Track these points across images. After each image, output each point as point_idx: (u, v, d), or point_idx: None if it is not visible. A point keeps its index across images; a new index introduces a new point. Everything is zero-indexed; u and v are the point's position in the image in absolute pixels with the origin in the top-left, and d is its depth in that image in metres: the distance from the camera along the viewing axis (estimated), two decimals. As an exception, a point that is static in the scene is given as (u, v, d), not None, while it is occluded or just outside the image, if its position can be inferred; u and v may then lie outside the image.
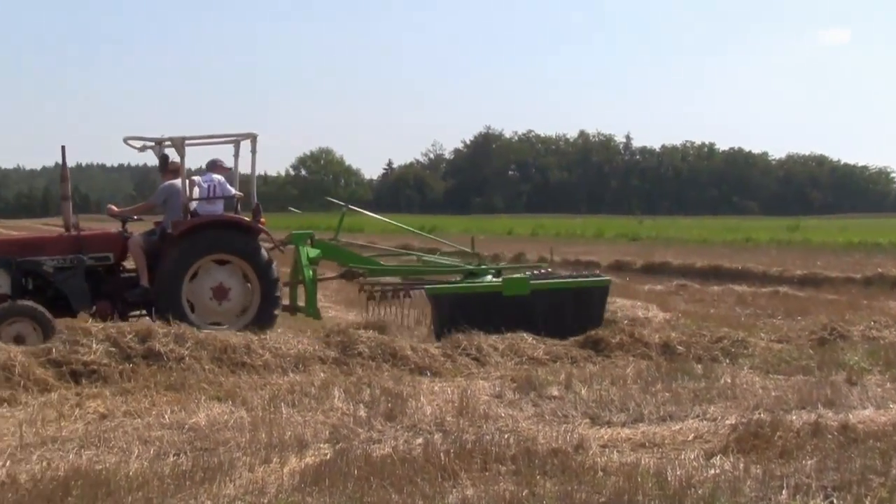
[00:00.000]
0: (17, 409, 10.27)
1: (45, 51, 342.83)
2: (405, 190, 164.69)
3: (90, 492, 7.32)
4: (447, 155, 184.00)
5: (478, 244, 17.42)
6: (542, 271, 16.64)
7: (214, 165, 14.68)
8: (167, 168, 14.35)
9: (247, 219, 14.19)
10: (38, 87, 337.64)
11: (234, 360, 12.12)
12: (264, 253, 14.05)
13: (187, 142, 14.04)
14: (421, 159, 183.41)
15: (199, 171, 15.14)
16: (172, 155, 14.27)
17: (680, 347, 13.69)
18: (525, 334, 13.94)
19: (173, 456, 8.51)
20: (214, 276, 13.92)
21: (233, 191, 14.42)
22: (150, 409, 10.22)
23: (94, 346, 11.85)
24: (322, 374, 11.93)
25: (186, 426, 9.50)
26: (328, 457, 8.40)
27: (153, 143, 14.43)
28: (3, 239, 15.27)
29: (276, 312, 14.09)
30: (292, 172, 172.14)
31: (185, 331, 12.50)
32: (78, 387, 11.18)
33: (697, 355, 13.42)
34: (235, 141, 14.63)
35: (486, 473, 8.00)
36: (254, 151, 14.36)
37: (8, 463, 8.17)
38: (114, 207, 14.75)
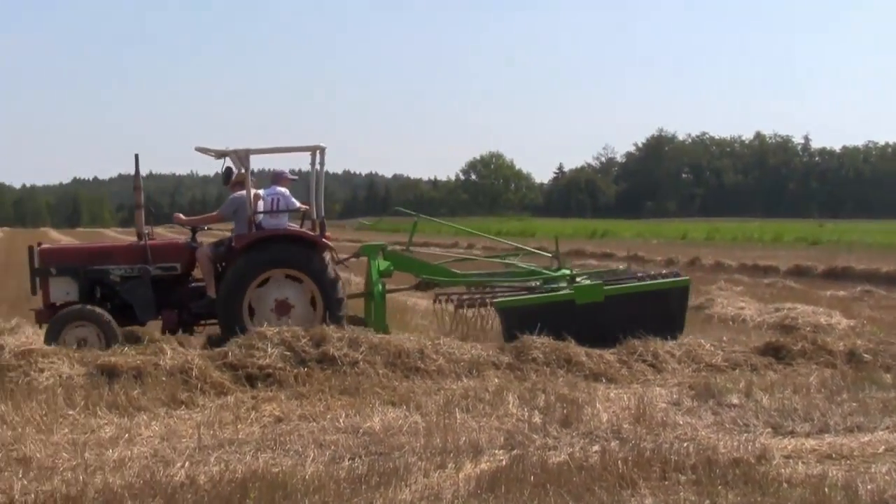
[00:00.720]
0: (194, 412, 10.47)
1: (217, 58, 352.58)
2: (576, 194, 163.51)
3: (267, 494, 7.37)
4: (619, 158, 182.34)
5: (650, 249, 17.11)
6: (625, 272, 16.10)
7: (279, 177, 14.34)
8: (232, 180, 14.31)
9: (312, 233, 13.84)
10: (212, 94, 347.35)
11: (408, 365, 12.13)
12: (331, 270, 13.67)
13: (252, 154, 13.84)
14: (592, 163, 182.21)
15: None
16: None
17: (866, 355, 13.16)
18: (703, 340, 13.62)
19: (348, 460, 8.52)
20: (282, 291, 13.64)
21: (297, 204, 14.13)
22: (324, 413, 10.28)
23: (269, 350, 12.00)
24: (496, 380, 11.83)
25: (361, 430, 9.51)
26: (503, 463, 8.31)
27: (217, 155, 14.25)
28: (73, 247, 15.45)
29: (341, 317, 13.57)
30: (462, 177, 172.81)
31: (359, 335, 12.55)
32: (253, 390, 11.35)
33: (886, 364, 12.89)
34: (312, 151, 14.07)
35: (666, 483, 7.81)
36: (321, 164, 13.96)
37: (187, 464, 8.29)
38: (181, 216, 14.70)
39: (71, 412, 10.17)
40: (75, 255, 14.23)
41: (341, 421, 9.92)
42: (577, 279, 15.00)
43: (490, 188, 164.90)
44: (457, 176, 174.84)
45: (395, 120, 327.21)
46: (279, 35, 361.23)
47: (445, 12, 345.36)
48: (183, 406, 10.64)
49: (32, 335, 13.84)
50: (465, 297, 14.92)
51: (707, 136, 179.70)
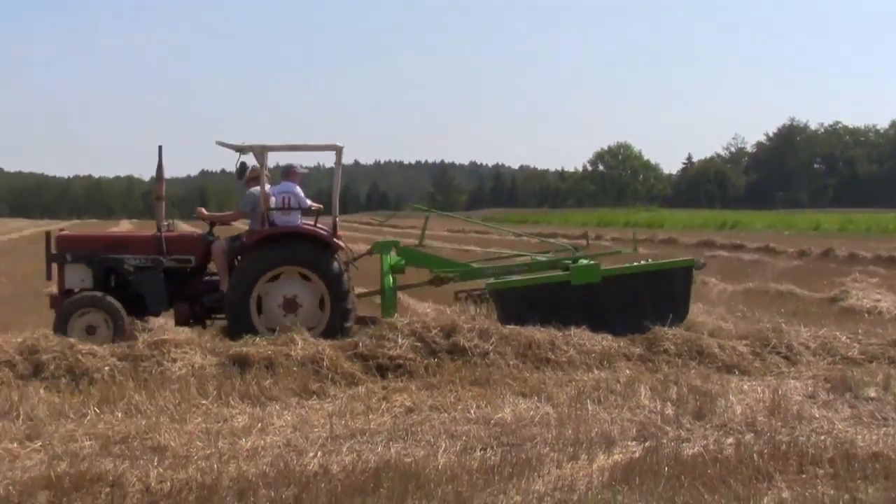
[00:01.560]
0: (325, 402, 10.52)
1: (339, 53, 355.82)
2: (705, 185, 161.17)
3: (400, 484, 7.36)
4: (749, 148, 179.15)
5: (782, 240, 16.64)
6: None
7: (288, 171, 14.22)
8: (247, 176, 14.15)
9: (324, 231, 13.67)
10: (334, 87, 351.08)
11: (539, 356, 12.06)
12: (336, 266, 13.45)
13: (269, 151, 13.82)
14: (722, 153, 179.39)
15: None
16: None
17: None
18: (838, 333, 13.28)
19: (480, 450, 8.47)
20: (291, 289, 13.47)
21: (308, 202, 13.92)
22: (455, 404, 10.26)
23: (399, 340, 12.03)
24: (627, 371, 11.71)
25: (492, 421, 9.46)
26: (637, 455, 8.21)
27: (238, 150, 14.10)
28: (89, 234, 15.30)
29: (348, 325, 13.39)
30: (589, 168, 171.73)
31: (490, 326, 12.53)
32: (384, 380, 11.39)
33: None
34: (333, 150, 14.00)
35: (803, 476, 7.65)
36: (337, 164, 13.98)
37: (320, 454, 8.32)
38: (203, 210, 14.63)
39: (204, 401, 10.31)
40: (91, 242, 14.24)
41: (472, 412, 9.88)
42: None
43: (618, 179, 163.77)
44: (584, 167, 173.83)
45: (522, 111, 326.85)
46: (415, 30, 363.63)
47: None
48: (314, 396, 10.71)
49: (164, 325, 14.10)
50: (482, 292, 14.63)
51: (840, 125, 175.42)
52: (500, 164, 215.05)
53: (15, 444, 8.70)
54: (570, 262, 14.44)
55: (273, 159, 14.35)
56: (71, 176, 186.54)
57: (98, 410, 9.92)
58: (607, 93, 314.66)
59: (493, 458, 8.19)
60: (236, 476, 7.63)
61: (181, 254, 13.83)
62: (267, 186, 13.76)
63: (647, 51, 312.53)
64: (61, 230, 14.42)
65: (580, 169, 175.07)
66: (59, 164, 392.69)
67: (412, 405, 10.24)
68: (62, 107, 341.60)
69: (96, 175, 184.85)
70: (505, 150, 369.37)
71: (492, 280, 14.45)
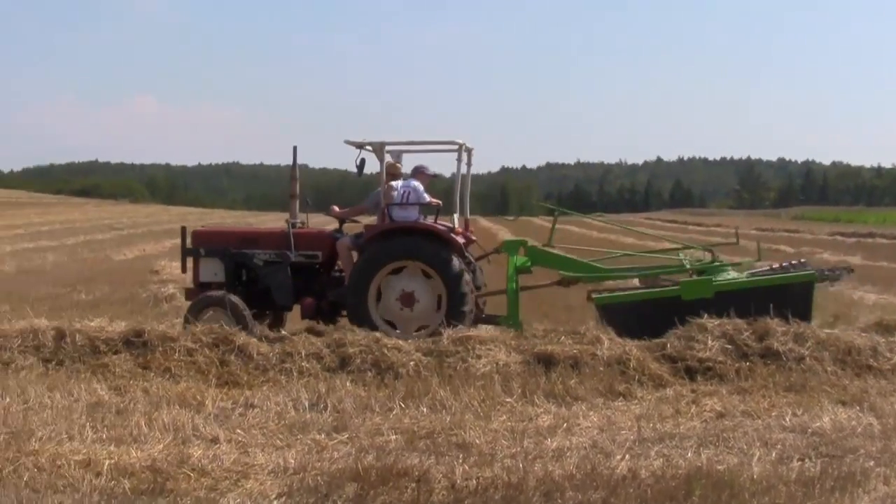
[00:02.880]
0: (632, 404, 10.24)
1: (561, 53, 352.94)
2: None
3: (713, 493, 7.02)
4: None
5: None
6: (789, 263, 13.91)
7: (417, 171, 14.11)
8: (387, 172, 13.92)
9: (443, 227, 13.47)
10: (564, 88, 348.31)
11: (859, 363, 11.38)
12: (455, 264, 13.15)
13: (387, 147, 13.69)
14: None
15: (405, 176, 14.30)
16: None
17: None
18: None
19: (797, 461, 7.99)
20: (410, 283, 13.35)
21: (427, 198, 13.78)
22: (769, 410, 9.76)
23: (709, 342, 11.60)
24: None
25: (809, 430, 8.92)
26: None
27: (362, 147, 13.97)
28: (222, 229, 15.58)
29: (466, 314, 13.08)
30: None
31: (805, 330, 11.90)
32: (693, 383, 10.99)
33: None
34: (458, 149, 13.74)
35: None
36: (465, 162, 13.94)
37: (627, 457, 8.05)
38: (336, 208, 14.49)
39: (508, 399, 10.20)
40: (224, 237, 14.50)
41: (787, 419, 9.36)
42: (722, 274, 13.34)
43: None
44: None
45: (834, 105, 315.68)
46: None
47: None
48: (621, 397, 10.43)
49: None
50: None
51: None
52: (810, 160, 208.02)
53: (322, 436, 8.83)
54: (702, 267, 13.63)
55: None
56: (374, 173, 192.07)
57: (403, 405, 9.97)
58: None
59: (812, 469, 7.71)
60: (542, 476, 7.45)
61: (308, 250, 14.04)
62: (399, 182, 13.87)
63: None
64: (203, 227, 14.86)
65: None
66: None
67: (723, 410, 9.81)
68: (363, 104, 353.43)
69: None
70: (816, 146, 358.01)
71: (599, 294, 13.78)
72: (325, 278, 14.16)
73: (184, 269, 14.54)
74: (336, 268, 14.31)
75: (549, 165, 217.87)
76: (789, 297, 12.62)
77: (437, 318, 13.14)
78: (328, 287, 13.99)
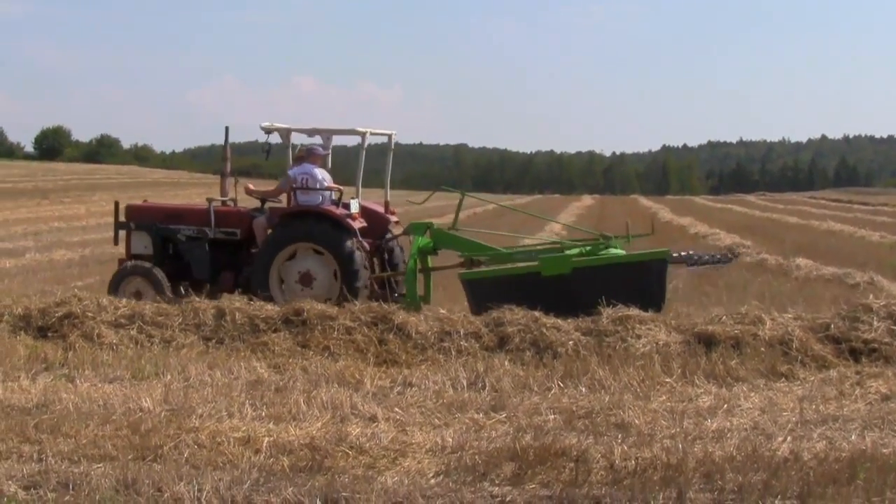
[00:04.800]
0: (794, 385, 10.06)
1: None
2: None
3: (878, 477, 6.87)
4: None
5: None
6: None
7: (310, 153, 14.70)
8: (296, 155, 14.88)
9: (338, 212, 14.09)
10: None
11: None
12: (350, 246, 13.81)
13: (293, 132, 14.87)
14: None
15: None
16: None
17: None
18: None
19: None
20: (306, 263, 14.11)
21: (325, 183, 14.33)
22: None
23: (875, 323, 11.32)
24: None
25: None
26: None
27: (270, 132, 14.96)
28: (150, 206, 15.97)
29: (358, 297, 13.45)
30: None
31: None
32: (857, 365, 10.75)
33: None
34: (363, 137, 14.66)
35: None
36: (365, 148, 14.77)
37: (789, 439, 7.91)
38: (250, 186, 15.44)
39: (668, 380, 10.14)
40: (152, 213, 15.31)
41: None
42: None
43: None
44: None
45: None
46: None
47: None
48: (783, 378, 10.27)
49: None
50: None
51: None
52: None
53: (481, 415, 8.89)
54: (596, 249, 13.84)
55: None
56: (533, 151, 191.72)
57: (561, 384, 9.98)
58: None
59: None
60: (702, 458, 7.36)
61: (227, 227, 14.79)
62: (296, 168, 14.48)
63: None
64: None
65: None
66: (523, 140, 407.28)
67: (888, 392, 9.60)
68: (520, 83, 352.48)
69: (558, 150, 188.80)
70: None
71: (464, 271, 14.07)
72: (243, 254, 14.82)
73: (116, 242, 15.43)
74: (255, 245, 14.90)
75: (710, 144, 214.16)
76: (644, 274, 12.95)
77: (336, 288, 13.85)
78: (245, 263, 14.66)
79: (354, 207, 14.41)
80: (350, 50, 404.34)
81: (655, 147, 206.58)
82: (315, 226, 14.05)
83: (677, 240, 31.22)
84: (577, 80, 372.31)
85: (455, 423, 8.66)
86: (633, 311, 11.98)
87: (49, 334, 12.30)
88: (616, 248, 13.85)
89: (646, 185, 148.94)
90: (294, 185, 14.32)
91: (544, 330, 11.60)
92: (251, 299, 13.21)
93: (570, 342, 11.36)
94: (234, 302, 12.74)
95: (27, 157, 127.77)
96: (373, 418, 8.75)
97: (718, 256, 14.71)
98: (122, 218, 15.15)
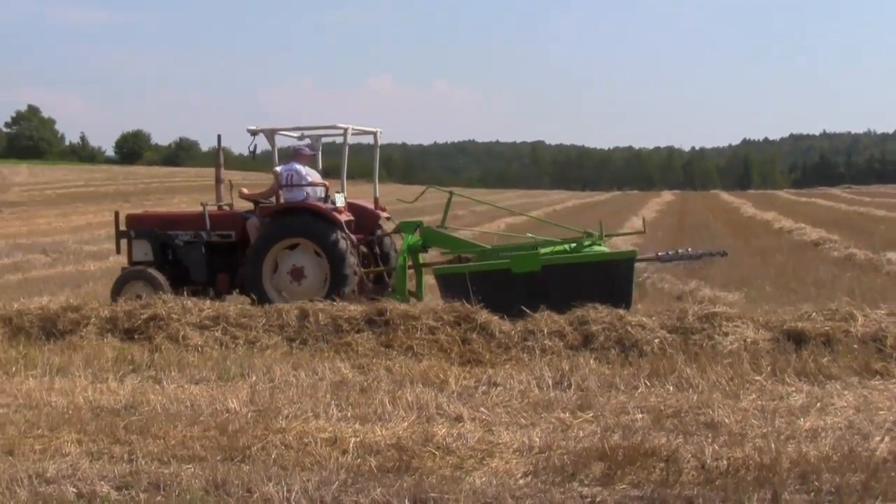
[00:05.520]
0: (890, 383, 9.81)
1: None
2: None
3: None
4: None
5: None
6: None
7: (296, 153, 15.12)
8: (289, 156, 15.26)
9: (323, 206, 14.45)
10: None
11: None
12: (334, 237, 14.14)
13: (278, 133, 15.37)
14: None
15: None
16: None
17: None
18: None
19: None
20: (303, 259, 14.43)
21: (309, 179, 14.77)
22: None
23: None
24: None
25: None
26: None
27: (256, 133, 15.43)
28: (149, 214, 16.82)
29: (346, 290, 13.95)
30: None
31: None
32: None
33: None
34: (345, 133, 14.87)
35: None
36: (347, 143, 14.98)
37: (887, 438, 7.70)
38: (244, 190, 15.62)
39: (757, 378, 9.94)
40: (151, 220, 15.88)
41: None
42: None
43: None
44: None
45: None
46: None
47: None
48: (877, 376, 10.00)
49: (714, 298, 13.85)
50: None
51: None
52: None
53: (567, 414, 8.80)
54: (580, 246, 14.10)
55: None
56: (611, 147, 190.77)
57: (648, 383, 9.85)
58: None
59: None
60: (796, 458, 7.18)
61: (222, 230, 15.19)
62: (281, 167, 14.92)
63: None
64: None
65: None
66: (601, 136, 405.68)
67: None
68: (597, 79, 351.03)
69: (636, 146, 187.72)
70: None
71: (438, 265, 14.50)
72: (238, 256, 15.05)
73: (118, 251, 15.86)
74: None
75: (792, 136, 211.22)
76: (611, 273, 13.18)
77: (320, 294, 13.89)
78: (242, 264, 14.87)
79: (340, 202, 14.74)
80: (425, 49, 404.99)
81: (735, 141, 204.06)
82: (300, 220, 14.44)
83: (761, 235, 30.88)
84: (654, 74, 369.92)
85: (542, 422, 8.58)
86: (720, 308, 11.84)
87: (135, 336, 12.52)
88: (600, 245, 14.21)
89: (726, 180, 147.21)
90: (280, 183, 14.71)
91: (629, 328, 11.48)
92: (254, 301, 13.87)
93: (656, 340, 11.24)
94: (318, 303, 12.78)
95: (108, 161, 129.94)
96: (458, 418, 8.71)
97: (702, 252, 14.92)
98: (122, 227, 15.63)
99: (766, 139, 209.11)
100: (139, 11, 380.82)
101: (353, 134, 15.10)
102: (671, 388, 9.70)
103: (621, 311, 11.96)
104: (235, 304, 13.11)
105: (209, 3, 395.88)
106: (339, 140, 15.30)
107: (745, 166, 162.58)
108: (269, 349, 11.82)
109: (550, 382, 9.98)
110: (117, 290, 14.62)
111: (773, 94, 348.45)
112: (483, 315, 12.06)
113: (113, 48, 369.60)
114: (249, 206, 15.45)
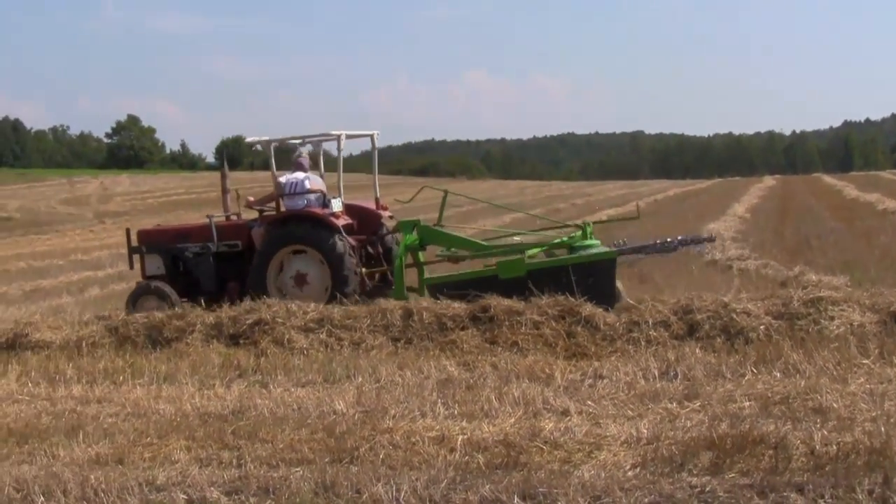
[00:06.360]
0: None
1: None
2: None
3: None
4: None
5: None
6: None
7: (297, 165, 15.39)
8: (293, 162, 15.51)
9: (321, 212, 14.65)
10: None
11: None
12: (334, 242, 14.31)
13: (273, 144, 15.48)
14: None
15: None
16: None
17: None
18: None
19: None
20: (308, 266, 14.64)
21: (307, 186, 14.95)
22: None
23: None
24: None
25: None
26: None
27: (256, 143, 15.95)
28: (159, 229, 16.92)
29: (349, 290, 14.19)
30: None
31: None
32: None
33: None
34: (339, 139, 14.99)
35: None
36: (341, 149, 15.12)
37: None
38: (250, 199, 16.18)
39: (865, 361, 9.83)
40: (161, 235, 16.17)
41: None
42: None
43: None
44: None
45: None
46: None
47: None
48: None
49: (818, 283, 13.68)
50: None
51: None
52: None
53: (674, 404, 8.78)
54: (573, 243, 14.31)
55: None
56: (711, 134, 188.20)
57: (755, 370, 9.78)
58: None
59: None
60: (909, 441, 7.09)
61: (229, 240, 15.48)
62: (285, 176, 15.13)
63: None
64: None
65: None
66: (700, 123, 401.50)
67: None
68: (693, 66, 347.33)
69: (736, 132, 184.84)
70: None
71: (427, 276, 14.75)
72: (246, 264, 15.28)
73: (131, 266, 16.21)
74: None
75: (894, 116, 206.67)
76: (594, 274, 13.27)
77: (323, 299, 14.17)
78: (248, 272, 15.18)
79: (336, 206, 14.99)
80: (521, 41, 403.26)
81: (836, 123, 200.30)
82: (300, 228, 14.71)
83: (865, 217, 30.32)
84: (752, 58, 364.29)
85: (649, 413, 8.57)
86: (825, 293, 11.70)
87: (241, 341, 12.71)
88: (593, 240, 14.36)
89: (828, 163, 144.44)
90: (282, 192, 14.97)
91: (734, 315, 11.42)
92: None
93: (762, 327, 11.15)
94: (422, 301, 12.89)
95: (209, 167, 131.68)
96: (565, 412, 8.73)
97: (689, 239, 14.98)
98: (134, 243, 15.99)
99: (867, 120, 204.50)
100: (230, 17, 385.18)
101: (349, 138, 15.45)
102: (778, 374, 9.62)
103: (726, 299, 11.87)
104: (339, 306, 13.23)
105: (302, 8, 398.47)
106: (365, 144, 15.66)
107: (846, 148, 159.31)
108: (375, 350, 11.93)
109: (656, 373, 9.97)
110: (131, 305, 15.03)
111: (873, 73, 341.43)
112: (587, 308, 12.07)
113: (209, 55, 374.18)
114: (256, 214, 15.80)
